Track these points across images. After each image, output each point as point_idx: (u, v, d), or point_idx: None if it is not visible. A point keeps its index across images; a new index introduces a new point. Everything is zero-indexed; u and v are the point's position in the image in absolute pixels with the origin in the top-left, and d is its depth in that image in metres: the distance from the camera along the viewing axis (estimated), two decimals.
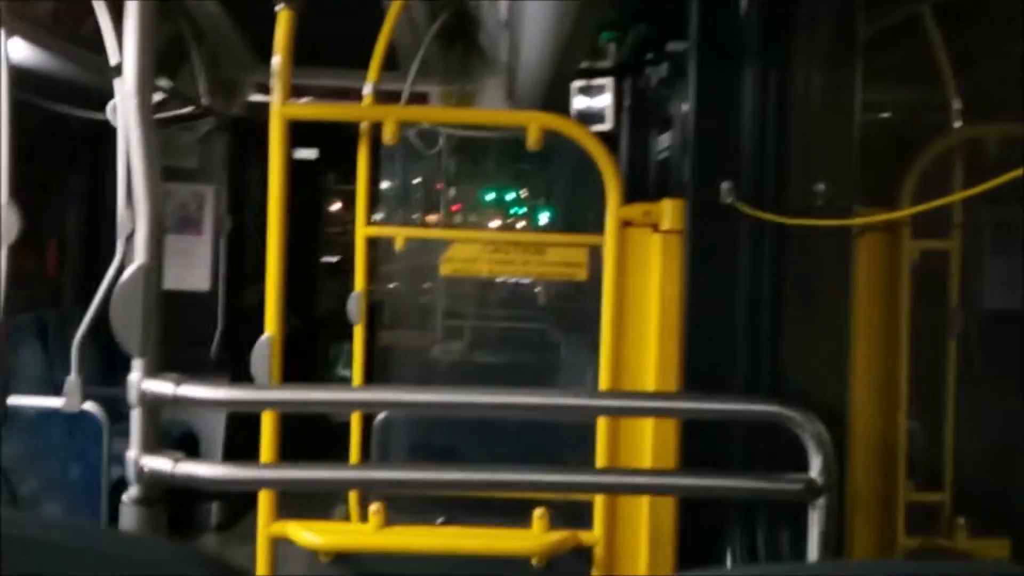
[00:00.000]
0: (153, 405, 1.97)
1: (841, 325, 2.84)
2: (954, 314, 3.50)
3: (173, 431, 6.17)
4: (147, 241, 1.96)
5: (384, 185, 6.67)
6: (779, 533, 2.66)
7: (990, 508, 3.41)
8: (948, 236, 3.56)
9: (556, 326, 6.33)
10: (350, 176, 4.24)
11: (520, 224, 8.71)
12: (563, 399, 2.46)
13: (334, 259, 9.39)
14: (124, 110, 2.00)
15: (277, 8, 2.92)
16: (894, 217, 2.91)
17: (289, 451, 2.77)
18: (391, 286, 7.14)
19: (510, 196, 8.80)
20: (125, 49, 1.95)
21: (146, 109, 1.97)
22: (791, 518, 2.60)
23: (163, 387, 1.94)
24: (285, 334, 2.90)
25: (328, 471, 2.22)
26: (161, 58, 5.90)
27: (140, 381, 1.95)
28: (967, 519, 3.21)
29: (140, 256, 1.96)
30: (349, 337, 4.16)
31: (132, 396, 1.96)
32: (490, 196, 8.68)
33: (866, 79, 2.95)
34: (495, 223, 8.74)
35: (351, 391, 2.85)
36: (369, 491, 3.24)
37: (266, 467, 2.51)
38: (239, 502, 6.40)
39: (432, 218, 8.01)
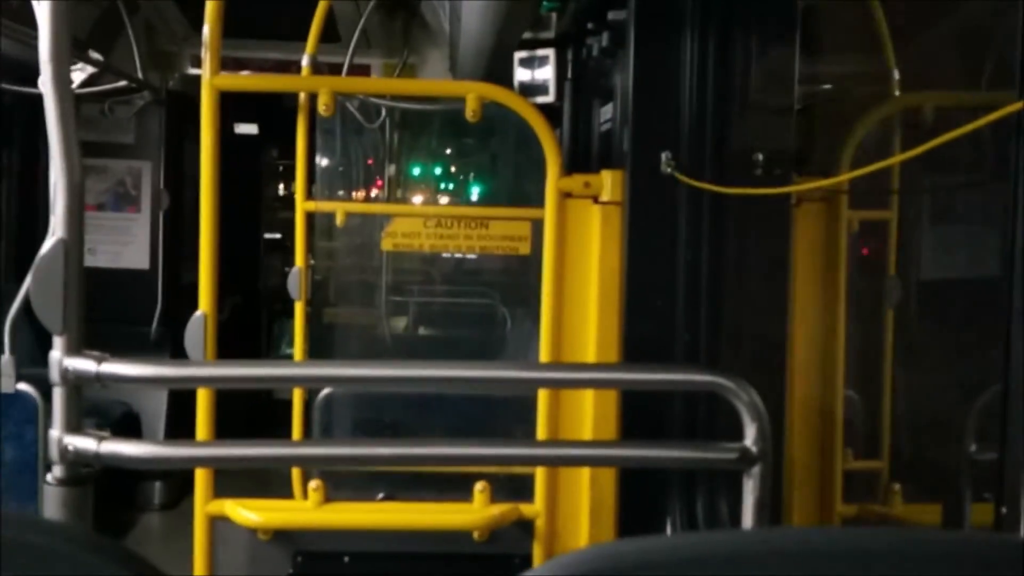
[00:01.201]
0: (75, 383, 1.91)
1: (779, 294, 2.86)
2: (891, 284, 3.53)
3: (113, 411, 6.07)
4: (66, 214, 1.89)
5: (325, 162, 6.58)
6: (718, 502, 2.68)
7: (925, 475, 3.47)
8: (887, 207, 3.59)
9: (501, 301, 6.32)
10: (292, 152, 4.18)
11: (463, 199, 8.66)
12: (503, 372, 2.45)
13: (277, 236, 9.28)
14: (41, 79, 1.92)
15: None
16: (831, 183, 2.92)
17: (233, 432, 2.72)
18: (333, 263, 7.08)
19: (452, 171, 8.75)
20: (39, 12, 1.88)
21: (62, 77, 1.90)
22: (729, 487, 2.61)
23: (86, 364, 1.89)
24: (226, 311, 2.84)
25: (262, 448, 2.18)
26: (94, 30, 5.76)
27: (61, 359, 1.89)
28: (902, 486, 3.26)
29: (59, 231, 1.90)
30: (293, 314, 4.11)
31: (53, 374, 1.90)
32: (432, 171, 8.62)
33: (805, 50, 2.95)
34: (439, 199, 8.68)
35: (279, 366, 2.82)
36: (308, 468, 3.20)
37: (196, 445, 2.46)
38: (182, 481, 6.32)
39: (363, 194, 7.91)
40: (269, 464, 3.10)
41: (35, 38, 1.95)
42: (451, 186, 8.80)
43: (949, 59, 3.74)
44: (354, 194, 7.69)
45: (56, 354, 1.90)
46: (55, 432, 1.91)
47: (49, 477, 1.95)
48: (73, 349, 1.90)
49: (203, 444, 2.54)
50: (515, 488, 2.99)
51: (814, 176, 3.13)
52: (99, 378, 1.89)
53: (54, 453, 1.91)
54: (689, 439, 2.69)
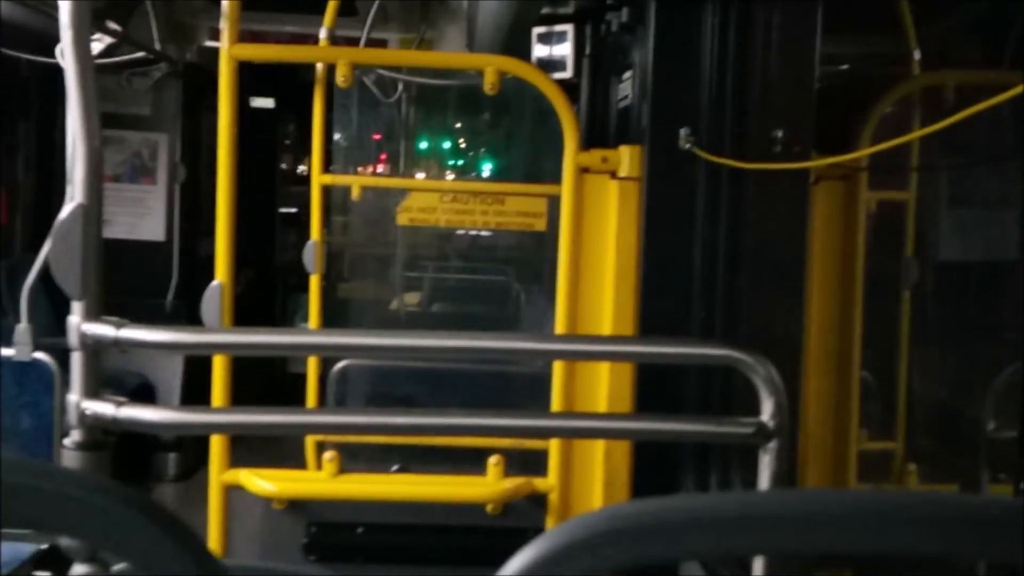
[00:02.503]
0: (94, 348, 1.92)
1: (796, 272, 2.84)
2: (908, 265, 3.51)
3: (128, 381, 6.11)
4: (85, 180, 1.89)
5: (341, 136, 6.58)
6: (732, 478, 2.68)
7: (941, 456, 3.46)
8: (905, 188, 3.57)
9: (516, 277, 6.31)
10: (308, 126, 4.18)
11: (479, 175, 8.65)
12: (519, 343, 2.45)
13: (292, 210, 9.28)
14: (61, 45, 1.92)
15: None
16: (850, 158, 2.90)
17: (248, 404, 2.73)
18: (348, 238, 7.08)
19: (469, 146, 8.72)
20: None
21: (82, 43, 1.90)
22: (744, 462, 2.61)
23: (104, 330, 1.89)
24: (241, 285, 2.85)
25: (279, 415, 2.18)
26: (113, 1, 5.75)
27: (80, 324, 1.90)
28: (917, 467, 3.25)
29: (78, 196, 1.90)
30: (307, 289, 4.12)
31: (72, 339, 1.91)
32: (449, 146, 8.60)
33: (826, 29, 2.92)
34: (454, 175, 8.67)
35: (295, 334, 2.82)
36: (323, 438, 3.21)
37: (213, 411, 2.47)
38: (197, 453, 6.36)
39: (379, 168, 7.90)
40: (285, 432, 3.11)
41: (55, 7, 1.95)
42: (467, 162, 8.79)
43: (970, 38, 3.70)
44: (370, 168, 7.69)
45: (75, 319, 1.91)
46: (73, 397, 1.92)
47: (67, 442, 1.96)
48: (92, 314, 1.90)
49: (220, 411, 2.55)
50: (529, 462, 3.00)
51: (834, 156, 3.11)
52: (117, 343, 1.89)
53: (72, 418, 1.92)
54: (704, 413, 2.69)
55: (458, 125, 8.45)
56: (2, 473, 0.90)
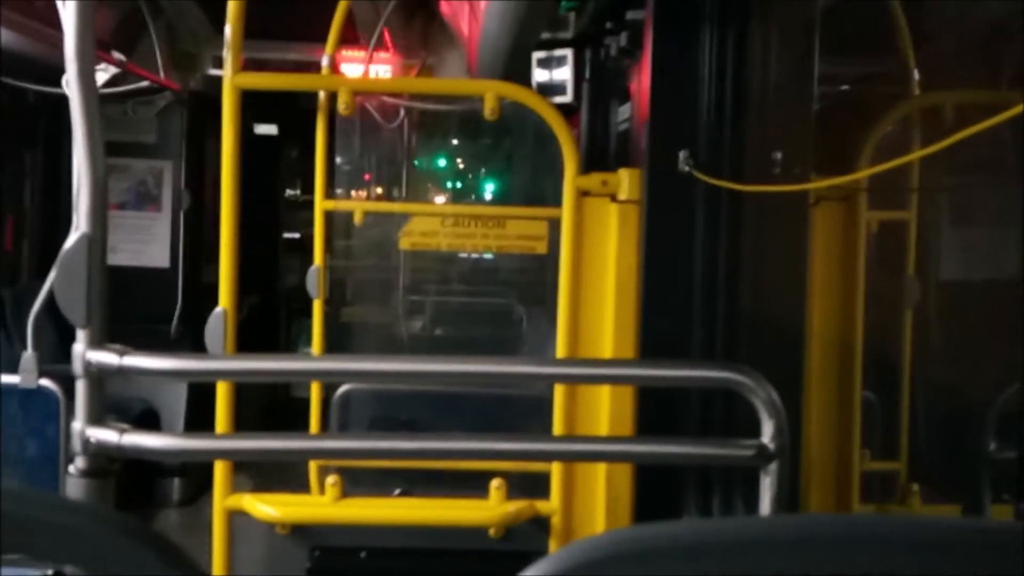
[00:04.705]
0: (98, 376, 1.93)
1: (797, 294, 2.85)
2: (910, 284, 3.52)
3: (133, 407, 6.12)
4: (90, 209, 1.92)
5: (343, 162, 6.61)
6: (734, 500, 2.68)
7: (943, 476, 3.45)
8: (906, 207, 3.58)
9: (518, 300, 6.33)
10: (311, 152, 4.22)
11: (480, 198, 8.68)
12: (520, 367, 2.46)
13: (295, 235, 9.32)
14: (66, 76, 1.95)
15: None
16: (849, 180, 2.91)
17: (251, 430, 2.74)
18: (351, 262, 7.11)
19: (470, 171, 8.76)
20: (64, 14, 1.90)
21: (87, 74, 1.93)
22: (746, 485, 2.61)
23: (108, 358, 1.91)
24: (244, 311, 2.86)
25: (282, 441, 2.19)
26: (118, 31, 5.81)
27: (84, 352, 1.92)
28: (921, 487, 3.25)
29: (83, 225, 1.92)
30: (311, 313, 4.14)
31: (76, 367, 1.92)
32: (450, 171, 8.63)
33: (825, 50, 2.94)
34: (456, 199, 8.70)
35: (297, 360, 2.83)
36: (326, 462, 3.22)
37: (216, 437, 2.48)
38: (201, 478, 6.36)
39: (381, 193, 7.93)
40: (288, 458, 3.13)
41: (57, 38, 1.98)
42: (469, 185, 8.82)
43: (969, 59, 3.72)
44: (372, 193, 7.72)
45: (79, 347, 1.92)
46: (78, 424, 1.94)
47: (72, 468, 1.97)
48: (96, 342, 1.92)
49: (223, 436, 2.56)
50: (531, 485, 3.00)
51: (833, 176, 3.12)
52: (121, 370, 1.91)
53: (77, 445, 1.94)
54: (705, 436, 2.69)
55: (459, 149, 8.49)
56: (3, 502, 0.91)
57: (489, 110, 2.95)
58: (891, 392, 3.42)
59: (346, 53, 5.50)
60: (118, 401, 5.81)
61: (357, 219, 4.40)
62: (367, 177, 7.63)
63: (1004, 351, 3.32)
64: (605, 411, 2.85)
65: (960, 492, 3.24)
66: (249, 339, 2.87)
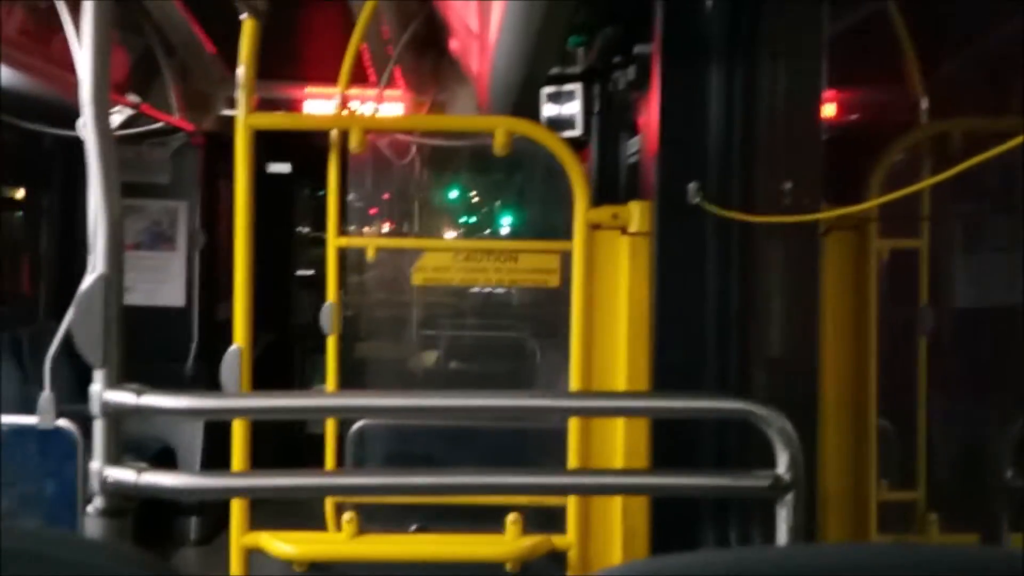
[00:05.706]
0: (115, 415, 1.95)
1: (809, 324, 2.85)
2: (924, 312, 3.51)
3: (150, 446, 6.13)
4: (106, 251, 1.94)
5: (356, 199, 6.66)
6: (751, 532, 2.66)
7: (961, 505, 3.42)
8: (917, 235, 3.58)
9: (531, 334, 6.33)
10: (324, 189, 4.25)
11: (492, 233, 8.72)
12: (534, 400, 2.46)
13: (309, 272, 9.36)
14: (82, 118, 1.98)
15: (242, 17, 2.91)
16: (859, 210, 2.92)
17: (266, 467, 2.74)
18: (364, 298, 7.13)
19: (481, 205, 8.80)
20: (81, 55, 1.94)
21: (102, 117, 1.96)
22: (762, 516, 2.60)
23: (125, 397, 1.93)
24: (259, 348, 2.88)
25: (298, 478, 2.20)
26: (132, 73, 5.89)
27: (102, 392, 1.94)
28: (939, 516, 3.22)
29: (100, 266, 1.95)
30: (325, 350, 4.15)
31: (94, 407, 1.94)
32: (461, 206, 8.68)
33: (833, 81, 2.96)
34: (468, 233, 8.73)
35: (313, 397, 2.85)
36: (343, 498, 3.21)
37: (233, 475, 2.49)
38: (218, 516, 6.35)
39: (393, 229, 7.98)
40: (305, 495, 3.13)
41: (72, 81, 2.02)
42: (480, 220, 8.86)
43: (977, 87, 3.74)
44: (384, 228, 7.76)
45: (96, 387, 1.94)
46: (95, 464, 1.95)
47: (90, 508, 1.98)
48: (113, 382, 1.94)
49: (239, 475, 2.57)
50: (547, 519, 2.99)
51: (844, 206, 3.12)
52: (138, 410, 1.93)
53: (95, 484, 1.95)
54: (720, 467, 2.68)
55: (470, 184, 8.54)
56: (24, 541, 0.92)
57: (499, 146, 2.97)
58: (907, 421, 3.40)
59: (357, 91, 5.55)
60: (136, 440, 5.82)
61: (370, 255, 4.42)
62: (378, 212, 7.67)
63: (1020, 378, 3.31)
64: (620, 444, 2.85)
65: (978, 521, 3.21)
66: (265, 375, 2.89)
